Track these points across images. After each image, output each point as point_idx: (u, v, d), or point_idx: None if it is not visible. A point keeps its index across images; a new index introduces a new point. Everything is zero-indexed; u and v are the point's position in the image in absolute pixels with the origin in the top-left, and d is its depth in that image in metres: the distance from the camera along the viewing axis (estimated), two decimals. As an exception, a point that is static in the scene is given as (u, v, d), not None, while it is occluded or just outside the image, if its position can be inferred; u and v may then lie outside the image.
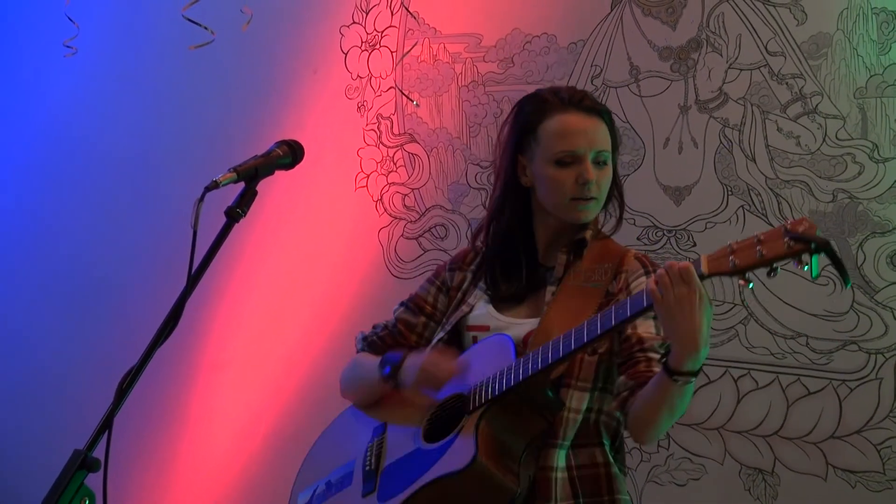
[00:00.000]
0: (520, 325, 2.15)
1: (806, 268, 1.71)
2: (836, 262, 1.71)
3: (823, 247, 1.71)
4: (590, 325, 1.93)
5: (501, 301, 2.20)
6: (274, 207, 3.15)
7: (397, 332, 2.30)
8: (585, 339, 1.92)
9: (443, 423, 2.13)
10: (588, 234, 2.15)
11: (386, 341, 2.31)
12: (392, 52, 3.20)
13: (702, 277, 1.82)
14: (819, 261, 1.70)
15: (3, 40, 3.82)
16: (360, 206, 3.21)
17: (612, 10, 2.91)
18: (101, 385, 2.09)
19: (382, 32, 3.21)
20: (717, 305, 2.75)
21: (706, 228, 2.81)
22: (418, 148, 3.17)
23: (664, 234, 2.85)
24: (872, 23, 2.60)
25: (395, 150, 3.20)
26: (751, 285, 1.77)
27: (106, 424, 1.93)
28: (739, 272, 1.80)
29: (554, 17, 2.99)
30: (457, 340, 2.22)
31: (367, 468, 2.22)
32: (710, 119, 2.80)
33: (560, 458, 2.09)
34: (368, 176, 3.22)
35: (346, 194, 3.19)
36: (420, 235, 3.16)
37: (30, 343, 3.73)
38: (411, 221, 3.18)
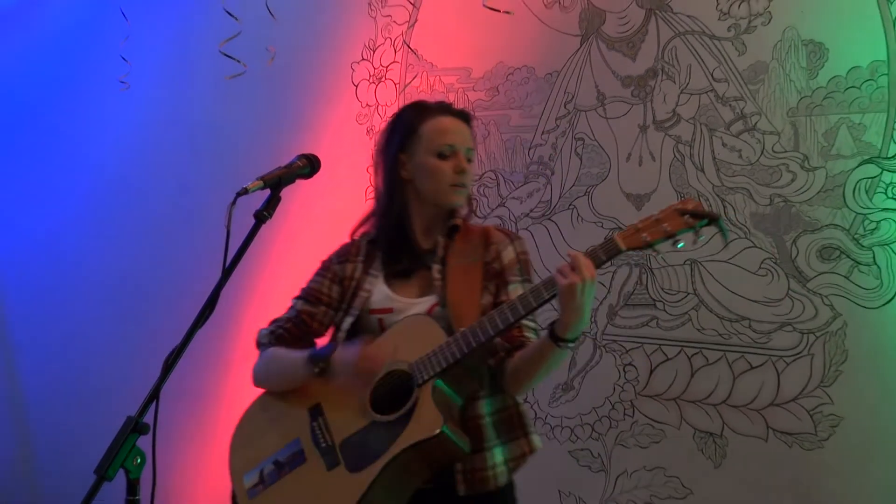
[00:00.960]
0: (419, 303, 2.19)
1: (702, 238, 1.93)
2: (721, 228, 1.92)
3: (714, 218, 1.92)
4: (513, 306, 1.99)
5: (393, 281, 2.21)
6: (296, 214, 3.16)
7: (300, 322, 2.26)
8: (511, 319, 2.00)
9: (388, 397, 2.10)
10: (459, 220, 2.22)
11: (292, 332, 2.27)
12: (395, 84, 3.21)
13: (619, 252, 1.94)
14: (707, 231, 1.91)
15: (68, 77, 3.84)
16: None
17: (581, 46, 2.91)
18: (151, 363, 2.09)
19: (387, 67, 3.22)
20: (672, 294, 2.79)
21: None
22: None
23: None
24: (802, 52, 2.60)
25: None
26: (660, 256, 1.90)
27: (154, 394, 1.94)
28: (650, 245, 1.93)
29: (532, 52, 2.99)
30: (358, 322, 2.21)
31: (324, 445, 2.16)
32: (665, 136, 2.80)
33: (486, 406, 2.16)
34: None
35: (358, 204, 3.17)
36: None
37: (97, 327, 3.79)
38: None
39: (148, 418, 1.87)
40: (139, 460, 1.86)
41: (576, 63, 2.93)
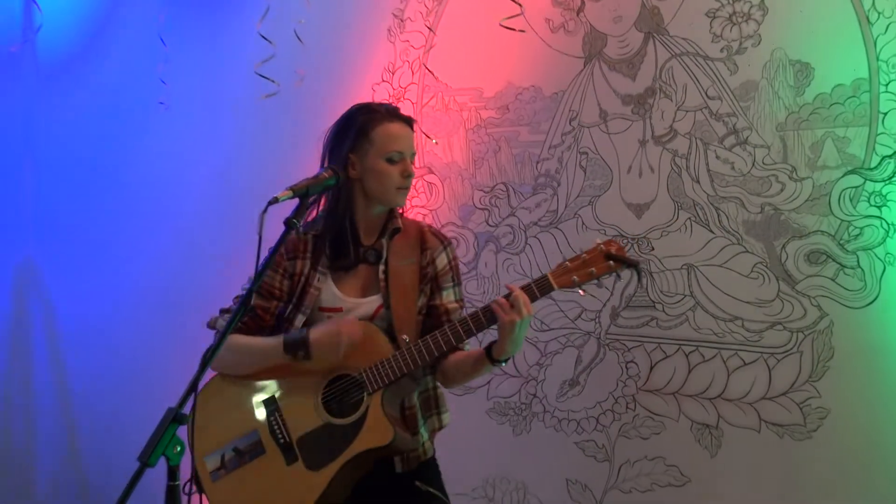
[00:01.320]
0: (364, 303, 2.23)
1: (621, 277, 2.16)
2: (638, 273, 2.27)
3: (634, 264, 2.10)
4: (456, 332, 2.12)
5: (339, 277, 2.25)
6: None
7: (256, 316, 2.26)
8: (454, 344, 2.13)
9: (338, 400, 2.18)
10: (399, 221, 2.27)
11: (248, 325, 2.26)
12: (413, 104, 3.21)
13: (552, 290, 2.08)
14: (625, 273, 2.16)
15: (111, 98, 3.85)
16: None
17: (584, 67, 2.91)
18: (189, 359, 2.14)
19: (405, 88, 3.23)
20: (670, 296, 2.79)
21: (661, 236, 2.80)
22: (435, 178, 3.19)
23: (629, 241, 2.84)
24: (790, 71, 2.60)
25: (416, 180, 3.17)
26: (583, 289, 2.15)
27: (192, 387, 1.97)
28: (578, 286, 2.08)
29: (539, 72, 2.99)
30: (308, 319, 2.23)
31: (282, 441, 2.20)
32: (663, 150, 2.79)
33: (416, 395, 2.27)
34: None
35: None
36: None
37: (139, 328, 3.82)
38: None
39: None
40: (179, 448, 1.88)
41: (580, 83, 2.93)
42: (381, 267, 2.23)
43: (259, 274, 2.08)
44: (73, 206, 3.98)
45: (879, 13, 2.48)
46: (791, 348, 2.62)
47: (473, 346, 2.28)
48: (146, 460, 1.85)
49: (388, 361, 2.12)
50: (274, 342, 2.19)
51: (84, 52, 3.93)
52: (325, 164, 2.25)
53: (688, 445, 2.77)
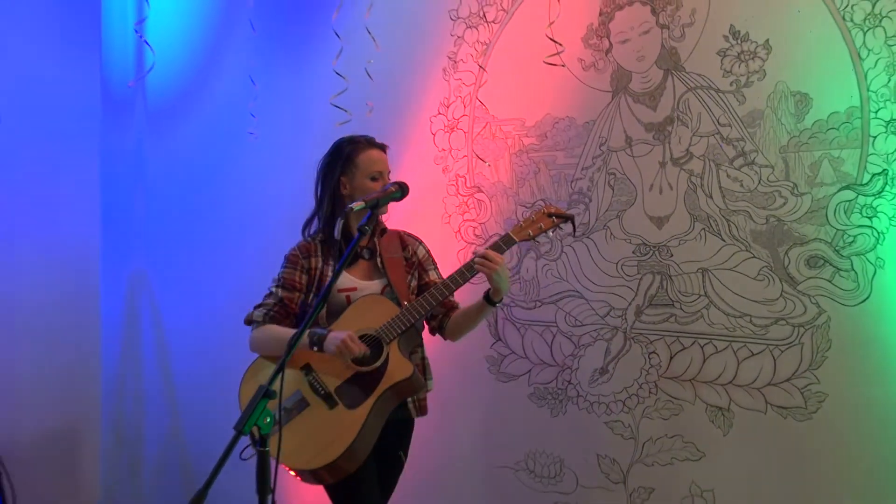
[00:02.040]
0: (372, 284, 2.53)
1: (562, 230, 2.61)
2: (573, 224, 2.50)
3: (570, 217, 2.48)
4: (446, 284, 2.42)
5: (349, 267, 2.52)
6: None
7: (283, 305, 2.50)
8: (446, 293, 2.44)
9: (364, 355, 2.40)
10: (383, 225, 2.62)
11: (279, 313, 2.52)
12: (465, 132, 3.24)
13: (514, 243, 2.46)
14: (566, 227, 2.52)
15: (209, 129, 3.93)
16: (445, 236, 3.25)
17: (612, 99, 2.92)
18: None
19: (458, 119, 3.26)
20: (687, 296, 2.79)
21: (679, 244, 2.80)
22: (483, 196, 3.22)
23: (651, 248, 2.85)
24: (791, 101, 2.60)
25: (467, 198, 3.24)
26: (537, 240, 2.67)
27: (280, 368, 2.05)
28: (532, 238, 2.47)
29: (573, 105, 3.01)
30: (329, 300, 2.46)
31: (322, 392, 2.41)
32: (680, 170, 2.80)
33: (422, 352, 2.61)
34: (451, 216, 3.28)
35: (436, 228, 3.25)
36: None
37: (229, 320, 3.74)
38: (479, 245, 3.20)
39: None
40: (268, 419, 1.96)
41: (608, 113, 2.94)
42: (378, 259, 2.53)
43: (337, 272, 2.18)
44: (176, 224, 4.05)
45: (869, 50, 2.48)
46: (793, 341, 2.61)
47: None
48: (241, 429, 1.94)
49: (398, 317, 2.38)
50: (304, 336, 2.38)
51: (187, 90, 4.00)
52: (319, 188, 2.57)
53: (703, 425, 2.76)
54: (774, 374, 2.64)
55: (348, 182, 2.51)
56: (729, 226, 2.71)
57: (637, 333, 2.88)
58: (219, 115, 3.87)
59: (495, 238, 3.12)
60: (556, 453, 3.05)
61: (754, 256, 2.67)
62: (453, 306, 2.60)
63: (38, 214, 3.96)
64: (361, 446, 2.36)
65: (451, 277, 2.42)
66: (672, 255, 2.81)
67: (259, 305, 2.56)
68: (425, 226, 3.09)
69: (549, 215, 2.45)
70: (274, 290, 2.54)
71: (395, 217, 2.83)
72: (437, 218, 3.27)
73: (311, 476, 2.39)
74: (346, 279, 2.50)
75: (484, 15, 3.16)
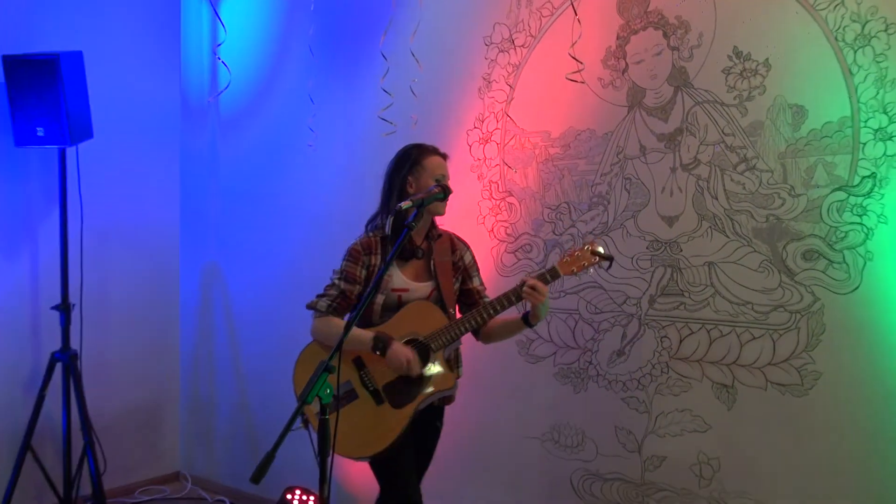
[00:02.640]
0: (423, 286, 2.46)
1: (605, 266, 2.47)
2: (610, 264, 2.46)
3: (609, 258, 2.42)
4: (493, 306, 2.37)
5: (401, 266, 2.45)
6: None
7: (344, 297, 2.43)
8: (493, 314, 2.38)
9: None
10: (438, 229, 2.50)
11: (341, 304, 2.45)
12: (497, 144, 3.26)
13: (559, 276, 2.40)
14: (604, 263, 2.45)
15: (274, 141, 3.96)
16: (480, 235, 3.25)
17: (628, 113, 2.93)
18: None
19: (491, 132, 3.27)
20: (695, 287, 2.79)
21: (688, 241, 2.80)
22: (514, 199, 3.23)
23: (663, 244, 2.85)
24: (788, 113, 2.60)
25: (500, 201, 3.25)
26: (580, 276, 2.47)
27: (339, 346, 2.09)
28: (574, 273, 2.40)
29: (593, 118, 3.02)
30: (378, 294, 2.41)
31: (371, 388, 2.37)
32: (689, 175, 2.80)
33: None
34: (485, 217, 3.29)
35: (472, 227, 3.26)
36: (515, 251, 3.21)
37: (293, 310, 3.76)
38: (510, 243, 3.22)
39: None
40: (328, 391, 1.99)
41: (624, 125, 2.94)
42: (431, 262, 2.44)
43: (388, 263, 2.20)
44: (244, 221, 4.08)
45: (859, 66, 2.48)
46: (791, 325, 2.61)
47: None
48: (304, 399, 1.98)
49: (448, 328, 2.33)
50: (368, 334, 2.37)
51: (255, 104, 4.03)
52: (387, 187, 2.50)
53: (709, 400, 2.77)
54: (774, 355, 2.64)
55: (414, 182, 2.44)
56: (733, 224, 2.71)
57: (650, 320, 2.89)
58: (281, 127, 3.91)
59: (525, 238, 3.18)
60: (578, 425, 3.06)
61: (755, 251, 2.67)
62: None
63: (128, 211, 4.07)
64: (401, 441, 2.35)
65: (498, 300, 2.38)
66: (681, 251, 2.81)
67: (323, 295, 2.51)
68: (462, 226, 3.11)
69: (594, 254, 2.41)
70: (336, 281, 2.49)
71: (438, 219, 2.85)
72: (473, 219, 3.29)
73: (358, 459, 2.41)
74: (399, 279, 2.43)
75: (514, 40, 3.18)
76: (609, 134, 2.97)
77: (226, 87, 3.98)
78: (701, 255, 2.78)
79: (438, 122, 3.33)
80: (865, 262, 2.48)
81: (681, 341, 2.82)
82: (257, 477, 1.85)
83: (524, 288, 2.33)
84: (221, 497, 4.06)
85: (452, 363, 2.49)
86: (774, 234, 2.64)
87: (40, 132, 3.47)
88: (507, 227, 3.23)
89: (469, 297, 2.54)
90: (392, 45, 3.43)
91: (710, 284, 2.76)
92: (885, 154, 2.45)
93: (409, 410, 2.32)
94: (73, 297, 3.71)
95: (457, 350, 2.54)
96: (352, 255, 2.46)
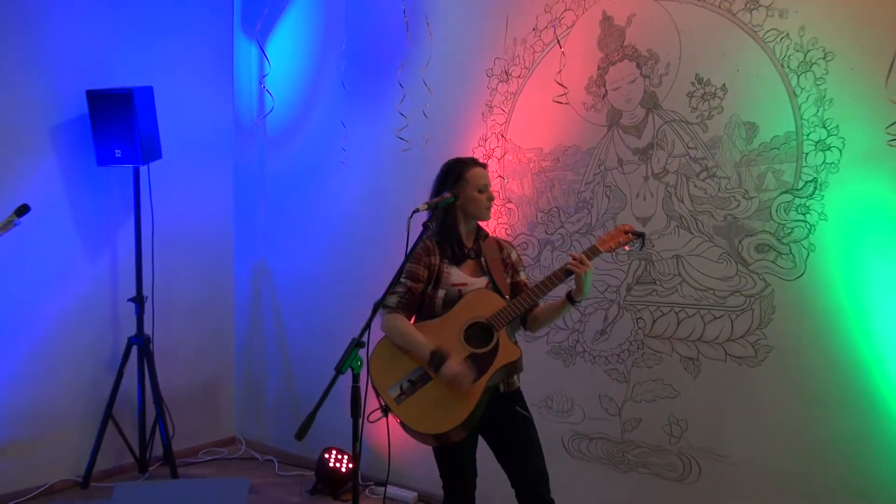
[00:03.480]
0: (479, 281, 2.27)
1: (635, 244, 2.28)
2: (643, 240, 2.28)
3: (641, 234, 2.24)
4: (544, 284, 2.17)
5: (457, 266, 2.29)
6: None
7: (411, 294, 2.25)
8: (546, 292, 2.18)
9: (476, 337, 2.18)
10: (484, 232, 2.35)
11: (409, 301, 2.25)
12: (498, 159, 3.25)
13: (599, 253, 2.19)
14: (639, 242, 2.28)
15: (311, 159, 3.94)
16: None
17: (607, 131, 2.93)
18: (363, 309, 2.25)
19: (493, 149, 3.27)
20: (665, 276, 2.79)
21: (659, 237, 2.81)
22: (512, 205, 3.23)
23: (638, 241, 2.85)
24: (742, 129, 2.60)
25: (500, 207, 3.25)
26: (620, 251, 2.34)
27: (367, 324, 2.10)
28: (612, 250, 2.23)
29: (578, 136, 3.02)
30: (436, 288, 2.25)
31: None
32: (659, 183, 2.80)
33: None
34: (488, 221, 3.22)
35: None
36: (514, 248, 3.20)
37: (330, 297, 3.87)
38: (510, 241, 3.21)
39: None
40: (359, 363, 1.99)
41: (605, 142, 2.94)
42: (483, 259, 2.30)
43: (407, 257, 2.20)
44: (288, 224, 4.07)
45: (802, 88, 2.49)
46: (746, 307, 2.61)
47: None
48: (339, 369, 1.98)
49: (506, 308, 2.17)
50: (427, 348, 2.15)
51: (295, 128, 4.03)
52: (438, 193, 2.33)
53: (678, 371, 2.77)
54: (732, 333, 2.64)
55: (460, 193, 2.26)
56: (696, 223, 2.72)
57: (628, 304, 2.89)
58: (318, 146, 3.91)
59: (522, 237, 3.19)
60: (568, 394, 3.06)
61: (716, 245, 2.67)
62: (537, 302, 2.28)
63: (191, 217, 4.09)
64: (473, 418, 2.13)
65: (547, 278, 2.17)
66: (654, 246, 2.82)
67: (392, 293, 2.26)
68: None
69: (626, 232, 2.22)
70: (403, 280, 2.26)
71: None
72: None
73: (422, 437, 2.17)
74: (458, 276, 2.25)
75: (510, 72, 3.19)
76: (592, 149, 2.98)
77: (270, 111, 4.01)
78: (670, 250, 2.78)
79: (447, 142, 3.33)
80: (809, 253, 2.49)
81: (653, 322, 2.82)
82: (301, 434, 1.84)
83: (569, 261, 2.15)
84: (270, 457, 4.08)
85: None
86: (731, 230, 2.64)
87: (118, 154, 3.53)
88: (507, 229, 3.23)
89: (518, 289, 2.34)
90: (408, 76, 3.45)
91: (677, 274, 2.76)
92: (824, 162, 2.46)
93: (480, 385, 2.11)
94: (146, 291, 3.77)
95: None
96: (415, 258, 2.27)
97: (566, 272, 2.16)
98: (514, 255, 2.37)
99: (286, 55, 4.04)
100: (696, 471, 2.72)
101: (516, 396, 2.29)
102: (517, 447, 2.23)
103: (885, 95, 2.31)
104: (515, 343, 2.24)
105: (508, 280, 2.32)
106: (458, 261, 2.30)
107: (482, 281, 2.27)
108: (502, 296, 2.23)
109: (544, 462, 2.25)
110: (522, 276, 2.37)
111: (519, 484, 2.21)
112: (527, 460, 2.22)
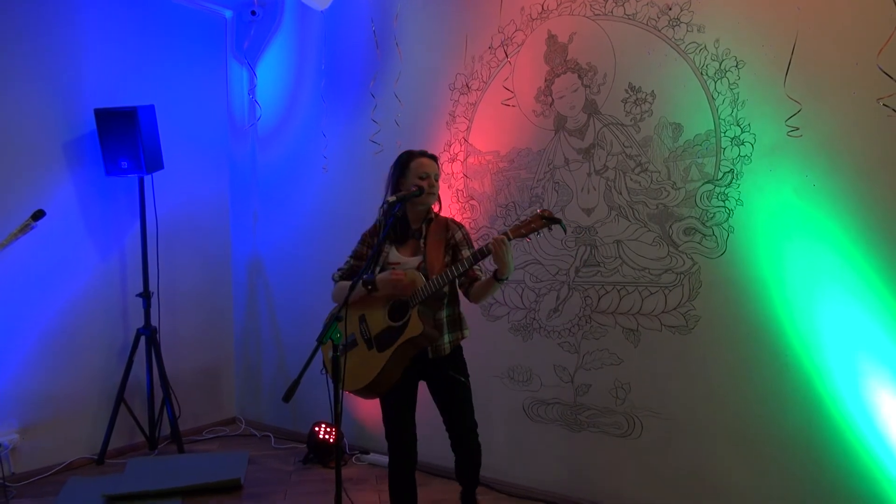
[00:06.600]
0: (413, 260, 2.25)
1: (552, 228, 2.08)
2: (562, 226, 2.06)
3: (557, 221, 2.06)
4: (462, 261, 2.14)
5: (399, 246, 2.28)
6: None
7: (352, 270, 2.31)
8: (461, 270, 2.13)
9: (397, 312, 2.20)
10: (432, 214, 2.30)
11: (350, 275, 2.30)
12: (461, 161, 3.25)
13: (511, 238, 2.08)
14: (556, 228, 2.18)
15: (295, 164, 3.90)
16: None
17: (555, 134, 2.94)
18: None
19: (456, 154, 3.26)
20: (608, 259, 2.78)
21: (602, 225, 2.82)
22: (475, 202, 3.22)
23: (583, 229, 2.86)
24: (669, 129, 2.63)
25: (464, 203, 3.24)
26: (531, 238, 2.25)
27: (345, 303, 2.08)
28: (524, 236, 2.09)
29: (530, 139, 3.02)
30: (382, 270, 2.25)
31: (366, 336, 2.24)
32: (600, 178, 2.81)
33: (444, 313, 2.27)
34: (454, 216, 3.25)
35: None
36: (477, 240, 3.17)
37: (313, 282, 3.81)
38: (473, 233, 3.19)
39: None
40: (338, 335, 1.96)
41: (553, 144, 2.95)
42: (422, 241, 2.29)
43: (381, 242, 2.20)
44: (275, 219, 4.02)
45: (719, 93, 2.52)
46: (677, 283, 2.63)
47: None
48: (320, 340, 1.95)
49: (423, 287, 2.16)
50: (360, 284, 2.20)
51: (279, 136, 3.98)
52: (386, 185, 2.35)
53: (621, 341, 2.78)
54: (666, 306, 2.66)
55: (403, 180, 2.26)
56: (633, 212, 2.73)
57: (577, 285, 2.90)
58: (301, 156, 3.88)
59: (484, 230, 3.18)
60: (526, 366, 3.06)
61: (650, 230, 2.69)
62: (477, 277, 2.24)
63: (191, 220, 4.03)
64: (384, 379, 2.19)
65: (466, 258, 2.15)
66: (597, 233, 2.83)
67: (339, 269, 2.37)
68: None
69: (542, 218, 2.08)
70: (349, 258, 2.36)
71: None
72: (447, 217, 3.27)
73: (355, 393, 2.27)
74: (394, 255, 2.26)
75: (470, 86, 3.20)
76: (542, 151, 2.99)
77: (258, 119, 4.00)
78: (611, 236, 2.80)
79: (417, 146, 3.22)
80: (728, 234, 2.51)
81: (599, 299, 2.83)
82: (287, 397, 1.83)
83: (488, 244, 2.10)
84: (267, 433, 4.03)
85: (438, 322, 2.28)
86: (663, 217, 2.66)
87: (124, 165, 3.48)
88: (470, 223, 3.23)
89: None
90: (380, 89, 3.43)
91: (618, 256, 2.78)
92: (739, 155, 2.49)
93: (387, 354, 2.18)
94: (152, 287, 3.72)
95: (459, 314, 2.33)
96: (362, 239, 2.35)
97: (482, 253, 2.12)
98: (458, 235, 2.29)
99: (273, 73, 4.01)
100: (639, 427, 2.74)
101: (450, 360, 2.28)
102: (451, 405, 2.31)
103: (784, 94, 2.36)
104: (434, 318, 2.22)
105: (448, 258, 2.28)
106: (400, 241, 2.30)
107: (415, 261, 2.25)
108: (427, 277, 2.20)
109: (473, 415, 2.33)
110: (465, 252, 2.31)
111: (451, 432, 2.32)
112: (457, 416, 2.30)
